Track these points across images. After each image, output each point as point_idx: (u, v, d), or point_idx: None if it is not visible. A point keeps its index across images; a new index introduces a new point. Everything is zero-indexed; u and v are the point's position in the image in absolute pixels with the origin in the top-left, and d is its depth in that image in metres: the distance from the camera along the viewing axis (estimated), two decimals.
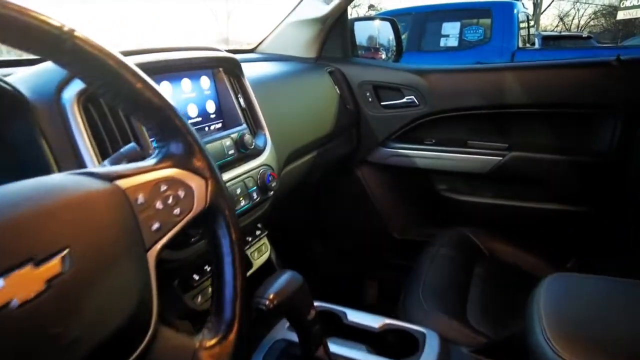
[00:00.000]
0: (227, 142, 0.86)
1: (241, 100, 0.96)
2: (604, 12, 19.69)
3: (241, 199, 0.86)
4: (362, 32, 1.99)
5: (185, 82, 0.84)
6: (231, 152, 0.86)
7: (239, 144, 0.88)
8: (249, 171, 0.89)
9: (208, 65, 0.89)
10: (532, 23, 5.72)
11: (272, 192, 0.94)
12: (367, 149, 1.60)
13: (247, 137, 0.89)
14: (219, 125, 0.91)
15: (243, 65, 1.28)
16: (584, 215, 1.43)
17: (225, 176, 0.83)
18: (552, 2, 18.63)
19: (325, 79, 1.45)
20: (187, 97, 0.84)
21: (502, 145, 1.45)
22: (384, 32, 1.99)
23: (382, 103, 1.53)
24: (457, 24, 4.99)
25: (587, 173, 1.39)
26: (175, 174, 0.45)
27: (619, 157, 1.33)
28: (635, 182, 1.26)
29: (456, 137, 1.52)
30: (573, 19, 20.47)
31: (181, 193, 0.45)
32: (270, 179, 0.92)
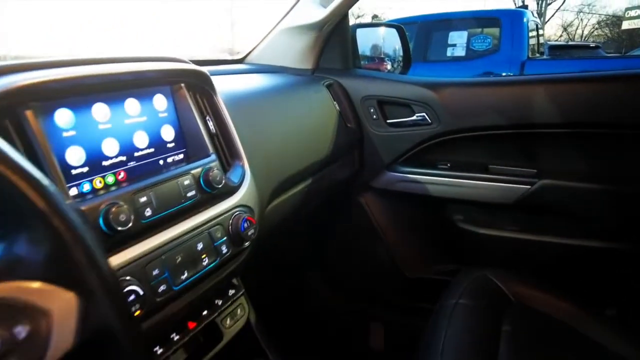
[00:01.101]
0: (186, 180, 0.65)
1: (210, 123, 0.75)
2: (607, 22, 19.58)
3: (204, 256, 0.65)
4: (366, 41, 1.79)
5: (131, 104, 0.64)
6: (191, 193, 0.65)
7: (204, 181, 0.67)
8: (216, 217, 0.68)
9: (164, 81, 0.69)
10: (541, 32, 5.52)
11: (248, 243, 0.73)
12: (372, 174, 1.39)
13: (215, 172, 0.68)
14: (180, 156, 0.70)
15: (226, 78, 1.09)
16: (626, 254, 1.20)
17: (179, 228, 0.62)
18: (556, 12, 18.52)
19: (322, 94, 1.24)
20: (132, 122, 0.64)
21: (530, 172, 1.23)
22: (389, 40, 1.79)
23: (389, 121, 1.32)
24: (465, 33, 4.79)
25: (630, 205, 1.17)
26: (16, 292, 0.24)
27: None
28: None
29: (475, 160, 1.30)
30: (577, 29, 20.36)
31: (21, 330, 0.24)
32: (246, 225, 0.71)
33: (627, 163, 1.18)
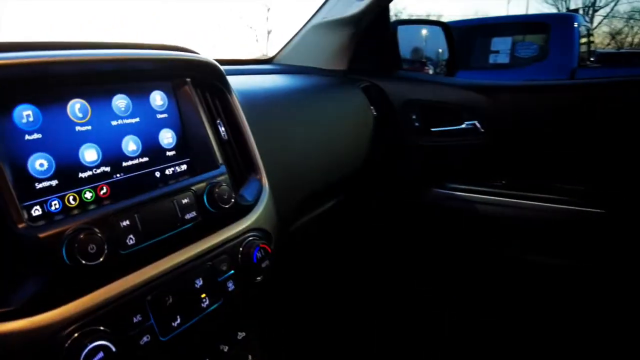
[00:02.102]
0: (185, 198, 0.51)
1: (222, 128, 0.61)
2: None
3: (204, 296, 0.51)
4: (405, 42, 1.64)
5: (119, 102, 0.51)
6: (190, 215, 0.51)
7: (209, 199, 0.53)
8: (222, 244, 0.54)
9: (163, 74, 0.56)
10: (591, 34, 5.17)
11: (263, 277, 0.58)
12: (415, 190, 1.22)
13: (223, 187, 0.54)
14: (183, 167, 0.57)
15: (246, 78, 0.96)
16: None
17: (171, 260, 0.49)
18: (604, 19, 17.66)
19: (358, 97, 1.09)
20: (121, 124, 0.51)
21: (606, 193, 1.04)
22: (432, 42, 1.63)
23: (433, 129, 1.16)
24: (509, 39, 4.53)
25: None
26: None
27: None
28: None
29: (538, 177, 1.12)
30: (626, 37, 19.36)
31: None
32: (259, 255, 0.56)
33: None
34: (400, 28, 1.49)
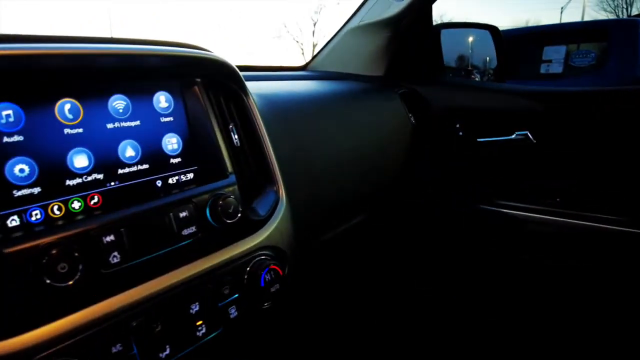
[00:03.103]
0: (184, 211, 0.45)
1: (235, 134, 0.55)
2: None
3: (200, 323, 0.44)
4: (449, 49, 1.54)
5: (116, 103, 0.46)
6: (189, 231, 0.45)
7: (212, 212, 0.47)
8: (226, 265, 0.48)
9: (169, 73, 0.51)
10: None
11: (272, 303, 0.51)
12: (458, 205, 1.11)
13: (230, 199, 0.48)
14: (189, 176, 0.51)
15: (279, 83, 0.90)
16: None
17: (163, 282, 0.42)
18: None
19: (395, 104, 1.01)
20: (118, 127, 0.46)
21: None
22: (479, 49, 1.51)
23: (479, 139, 1.05)
24: (562, 48, 4.27)
25: None
26: None
27: None
28: None
29: (600, 196, 0.99)
30: None
31: None
32: (268, 278, 0.49)
33: None
34: (445, 34, 1.40)
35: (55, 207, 0.40)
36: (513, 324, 1.07)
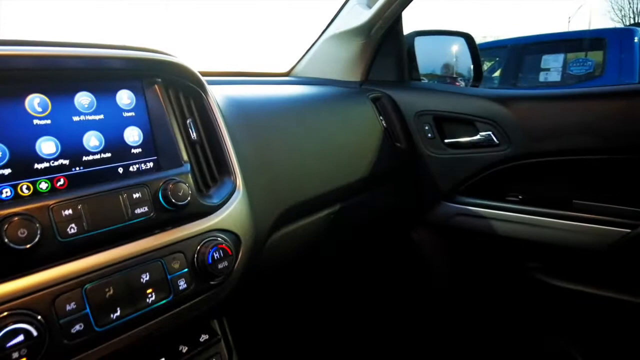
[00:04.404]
0: (137, 193, 0.52)
1: (192, 128, 0.62)
2: None
3: (150, 291, 0.50)
4: (435, 57, 1.60)
5: (82, 98, 0.53)
6: (141, 210, 0.52)
7: (163, 197, 0.53)
8: (176, 242, 0.54)
9: (131, 74, 0.57)
10: None
11: (221, 279, 0.57)
12: (426, 204, 1.17)
13: (180, 185, 0.54)
14: (149, 165, 0.57)
15: (255, 88, 0.97)
16: None
17: (116, 253, 0.49)
18: None
19: (365, 108, 1.07)
20: (83, 120, 0.52)
21: (632, 210, 0.94)
22: (463, 58, 1.57)
23: (447, 140, 1.11)
24: (560, 56, 4.32)
25: None
26: None
27: None
28: None
29: (556, 193, 1.04)
30: None
31: None
32: (216, 255, 0.55)
33: None
34: (431, 43, 1.47)
35: (24, 187, 0.47)
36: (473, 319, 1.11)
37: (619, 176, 0.98)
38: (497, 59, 4.94)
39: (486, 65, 5.11)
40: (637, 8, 15.73)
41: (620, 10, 16.10)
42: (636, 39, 3.88)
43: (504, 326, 1.14)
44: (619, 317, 1.01)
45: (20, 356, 0.39)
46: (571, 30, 4.46)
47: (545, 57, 4.42)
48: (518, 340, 0.89)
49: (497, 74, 4.86)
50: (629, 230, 0.92)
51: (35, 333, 0.40)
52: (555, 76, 4.36)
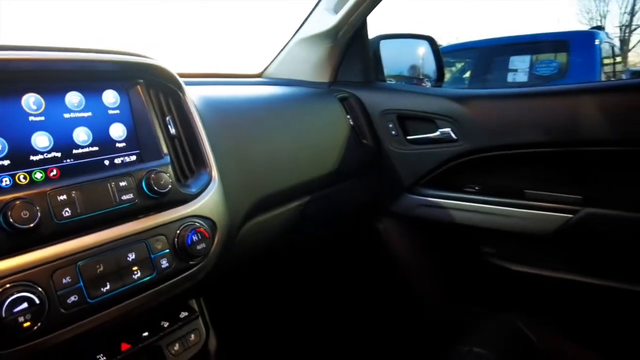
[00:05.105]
0: (123, 182, 0.58)
1: (171, 124, 0.68)
2: None
3: (135, 268, 0.57)
4: (403, 59, 1.69)
5: (72, 97, 0.59)
6: (127, 197, 0.58)
7: (147, 185, 0.60)
8: (158, 226, 0.60)
9: (115, 75, 0.64)
10: (617, 53, 5.06)
11: (199, 259, 0.64)
12: (391, 197, 1.26)
13: (161, 175, 0.61)
14: (132, 158, 0.64)
15: (230, 88, 1.04)
16: None
17: (106, 234, 0.55)
18: None
19: (334, 107, 1.15)
20: (73, 117, 0.59)
21: (574, 198, 1.04)
22: (429, 60, 1.67)
23: (409, 137, 1.20)
24: (527, 58, 4.51)
25: None
26: None
27: None
28: None
29: (509, 184, 1.14)
30: None
31: None
32: (195, 238, 0.62)
33: None
34: (399, 46, 1.56)
35: (22, 176, 0.53)
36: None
37: (564, 167, 1.09)
38: (468, 60, 5.11)
39: (457, 66, 5.28)
40: (603, 11, 16.33)
41: (588, 13, 16.69)
42: (597, 42, 4.09)
43: (463, 307, 1.24)
44: (566, 294, 1.12)
45: (25, 320, 0.46)
46: (538, 32, 4.63)
47: (512, 59, 4.61)
48: (476, 319, 0.98)
49: (467, 74, 5.03)
50: (571, 216, 1.03)
51: (37, 301, 0.47)
52: (522, 77, 4.54)
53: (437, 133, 1.16)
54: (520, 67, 4.54)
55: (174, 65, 0.71)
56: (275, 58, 1.34)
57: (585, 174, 1.06)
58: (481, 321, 0.95)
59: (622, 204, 0.99)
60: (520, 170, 1.12)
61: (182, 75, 0.73)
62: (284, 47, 1.31)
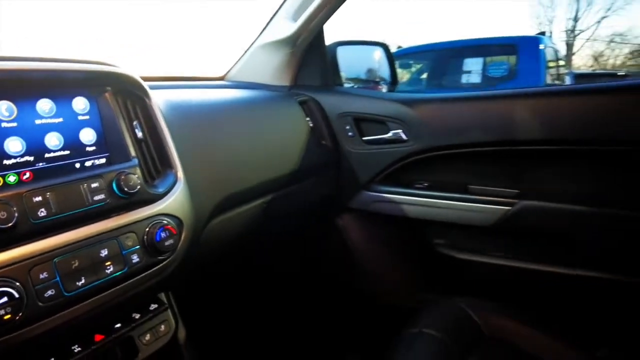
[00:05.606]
0: (94, 183, 0.62)
1: (138, 129, 0.73)
2: None
3: (108, 263, 0.61)
4: (360, 63, 1.78)
5: (43, 104, 0.62)
6: (99, 197, 0.62)
7: (117, 186, 0.64)
8: (129, 224, 0.65)
9: (84, 84, 0.67)
10: (560, 56, 5.40)
11: (168, 255, 0.69)
12: (349, 193, 1.34)
13: (130, 176, 0.65)
14: (102, 160, 0.68)
15: (193, 91, 1.08)
16: (620, 286, 1.10)
17: (80, 233, 0.59)
18: (585, 42, 18.24)
19: (294, 110, 1.22)
20: (44, 123, 0.62)
21: (512, 192, 1.16)
22: (385, 64, 1.77)
23: (365, 138, 1.28)
24: (480, 60, 4.74)
25: (624, 229, 1.07)
26: None
27: None
28: None
29: (454, 180, 1.24)
30: (608, 59, 19.92)
31: None
32: (163, 235, 0.67)
33: (618, 183, 1.09)
34: (358, 51, 1.64)
35: None
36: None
37: (503, 164, 1.20)
38: (426, 61, 5.30)
39: (415, 68, 5.47)
40: (550, 16, 17.24)
41: (537, 18, 17.57)
42: (541, 46, 4.36)
43: (416, 294, 1.34)
44: (508, 279, 1.23)
45: (6, 313, 0.49)
46: (490, 37, 4.86)
47: (466, 60, 4.83)
48: (427, 305, 1.06)
49: (425, 75, 5.22)
50: (509, 208, 1.14)
51: (16, 295, 0.50)
52: (475, 78, 4.77)
53: (390, 134, 1.24)
54: (473, 69, 4.76)
55: (140, 68, 0.76)
56: (237, 62, 1.38)
57: (521, 171, 1.18)
58: (431, 306, 1.04)
59: (553, 196, 1.11)
60: (464, 167, 1.23)
61: (147, 79, 0.77)
62: (245, 52, 1.36)
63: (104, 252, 0.61)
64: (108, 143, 0.69)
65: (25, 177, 0.59)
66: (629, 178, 1.06)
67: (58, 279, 0.56)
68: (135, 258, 0.64)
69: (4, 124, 0.58)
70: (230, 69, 1.40)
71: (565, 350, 0.93)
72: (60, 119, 0.64)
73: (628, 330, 1.09)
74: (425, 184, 1.26)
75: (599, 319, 1.13)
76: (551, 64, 4.84)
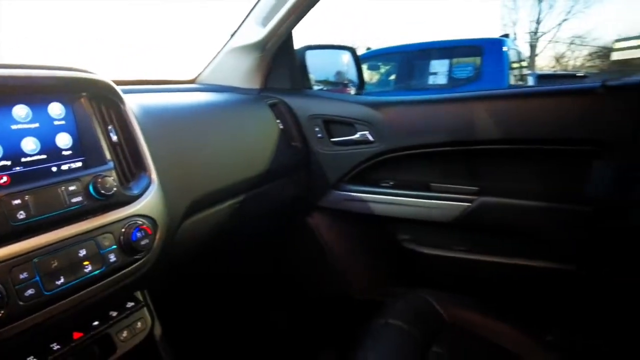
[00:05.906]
0: (72, 186, 0.65)
1: (113, 133, 0.75)
2: (599, 53, 19.98)
3: (86, 263, 0.64)
4: (329, 66, 1.83)
5: (19, 110, 0.64)
6: (76, 199, 0.65)
7: (94, 188, 0.67)
8: (106, 225, 0.68)
9: (61, 90, 0.70)
10: (523, 58, 5.63)
11: (143, 254, 0.72)
12: (318, 193, 1.39)
13: (107, 179, 0.68)
14: (78, 164, 0.70)
15: (166, 95, 1.10)
16: (569, 276, 1.19)
17: (58, 234, 0.62)
18: (548, 44, 18.97)
19: (265, 112, 1.25)
20: (20, 128, 0.64)
21: (471, 189, 1.24)
22: (353, 67, 1.82)
23: (333, 139, 1.34)
24: (446, 61, 4.89)
25: (574, 223, 1.16)
26: None
27: (614, 203, 1.10)
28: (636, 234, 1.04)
29: (417, 178, 1.31)
30: (569, 60, 20.76)
31: None
32: (139, 235, 0.70)
33: (569, 179, 1.18)
34: (326, 55, 1.69)
35: None
36: None
37: (463, 163, 1.28)
38: (393, 63, 5.42)
39: (384, 69, 5.58)
40: (514, 19, 17.84)
41: (502, 19, 18.13)
42: (505, 48, 4.54)
43: (384, 288, 1.41)
44: (469, 272, 1.31)
45: None
46: (455, 39, 5.01)
47: (432, 62, 4.97)
48: (393, 298, 1.12)
49: (393, 77, 5.34)
50: (469, 204, 1.21)
51: None
52: (442, 79, 4.92)
53: (357, 135, 1.30)
54: (440, 70, 4.91)
55: (114, 73, 0.78)
56: (208, 65, 1.41)
57: (480, 169, 1.26)
58: (398, 298, 1.10)
59: (510, 193, 1.19)
60: (427, 166, 1.30)
61: (120, 83, 0.79)
62: (216, 55, 1.39)
63: (82, 252, 0.64)
64: (84, 147, 0.71)
65: (2, 181, 0.61)
66: (579, 174, 1.16)
67: (38, 278, 0.58)
68: (112, 257, 0.67)
69: None
70: (202, 72, 1.43)
71: (520, 336, 1.01)
72: (37, 124, 0.66)
73: (576, 316, 1.19)
74: (391, 183, 1.32)
75: (550, 306, 1.22)
76: (515, 65, 5.04)
